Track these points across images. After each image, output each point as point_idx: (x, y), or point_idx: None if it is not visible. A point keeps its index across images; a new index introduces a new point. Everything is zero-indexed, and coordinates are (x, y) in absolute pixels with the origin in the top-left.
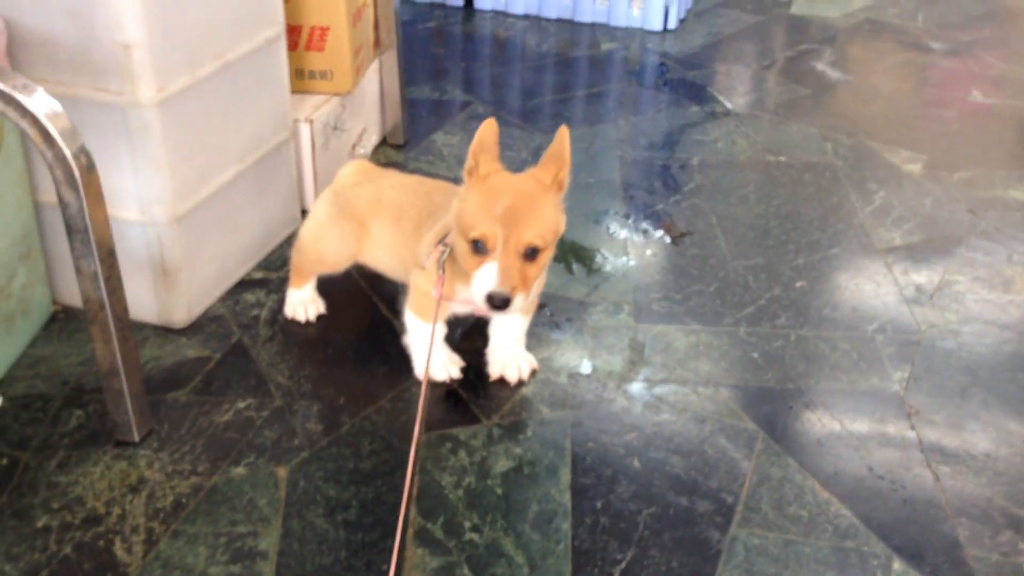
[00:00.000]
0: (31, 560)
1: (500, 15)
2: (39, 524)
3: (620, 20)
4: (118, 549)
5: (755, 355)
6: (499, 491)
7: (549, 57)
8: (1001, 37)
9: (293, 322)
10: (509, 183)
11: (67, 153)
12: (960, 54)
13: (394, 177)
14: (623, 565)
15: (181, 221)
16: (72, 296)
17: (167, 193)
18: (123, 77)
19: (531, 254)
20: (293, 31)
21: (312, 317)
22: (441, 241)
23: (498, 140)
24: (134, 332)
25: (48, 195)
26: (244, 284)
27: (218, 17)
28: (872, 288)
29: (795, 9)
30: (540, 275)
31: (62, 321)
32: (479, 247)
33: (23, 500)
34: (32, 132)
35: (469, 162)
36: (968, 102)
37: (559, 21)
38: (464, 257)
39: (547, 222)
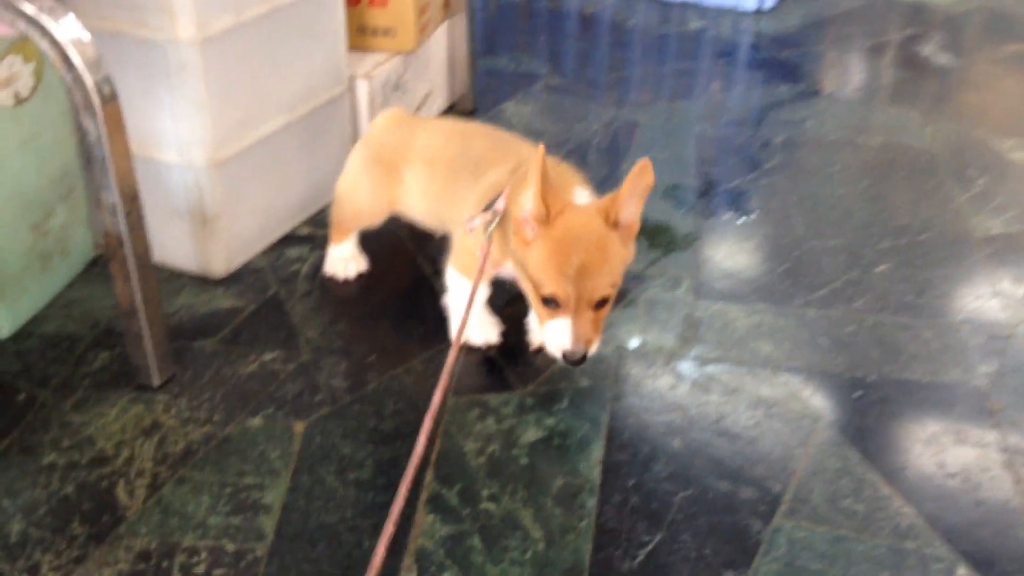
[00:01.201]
0: (31, 496)
1: None
2: (45, 461)
3: None
4: (120, 491)
5: (823, 339)
6: (524, 461)
7: (634, 33)
8: None
9: (332, 279)
10: (579, 234)
11: (87, 80)
12: None
13: (428, 122)
14: (650, 547)
15: (222, 167)
16: None
17: (207, 136)
18: (164, 13)
19: (602, 303)
20: None
21: (351, 275)
22: (490, 206)
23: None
24: (155, 273)
25: None
26: (289, 239)
27: None
28: (963, 276)
29: None
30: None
31: (103, 266)
32: (550, 302)
33: (33, 436)
34: (52, 55)
35: (539, 209)
36: None
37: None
38: (533, 301)
39: (616, 271)
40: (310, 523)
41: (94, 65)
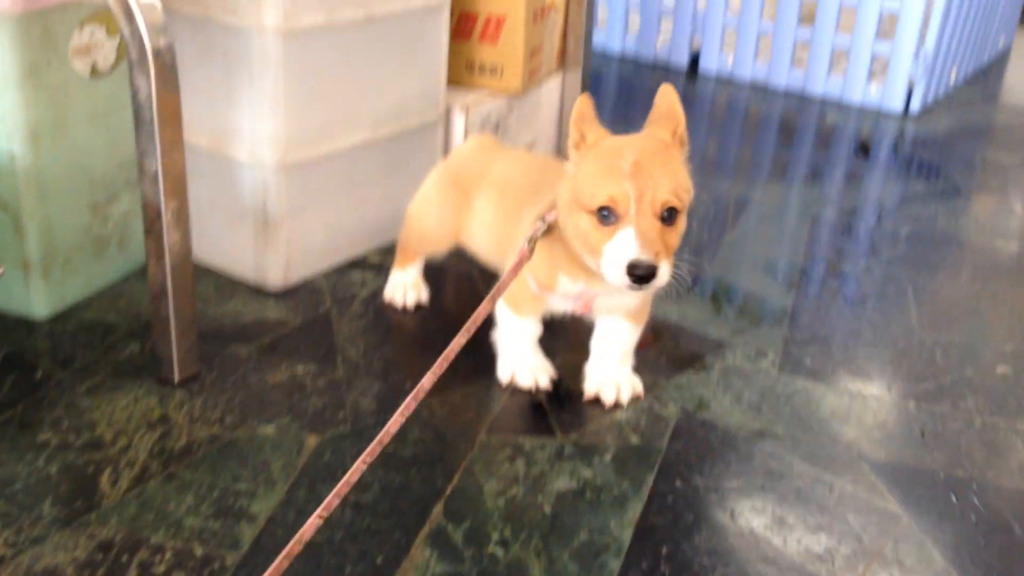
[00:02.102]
0: (11, 471)
1: (724, 81)
2: (40, 438)
3: (855, 96)
4: (104, 479)
5: (921, 432)
6: (547, 510)
7: (768, 121)
8: None
9: (390, 306)
10: (628, 141)
11: (144, 34)
12: None
13: (512, 152)
14: None
15: (291, 170)
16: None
17: (279, 134)
18: None
19: (669, 216)
20: (468, 19)
21: (410, 303)
22: (542, 216)
23: (596, 116)
24: (191, 257)
25: (191, 134)
26: (356, 264)
27: None
28: None
29: None
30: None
31: None
32: (607, 216)
33: (36, 413)
34: (114, 5)
35: (574, 135)
36: None
37: (787, 93)
38: (587, 236)
39: (681, 177)
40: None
41: (157, 29)
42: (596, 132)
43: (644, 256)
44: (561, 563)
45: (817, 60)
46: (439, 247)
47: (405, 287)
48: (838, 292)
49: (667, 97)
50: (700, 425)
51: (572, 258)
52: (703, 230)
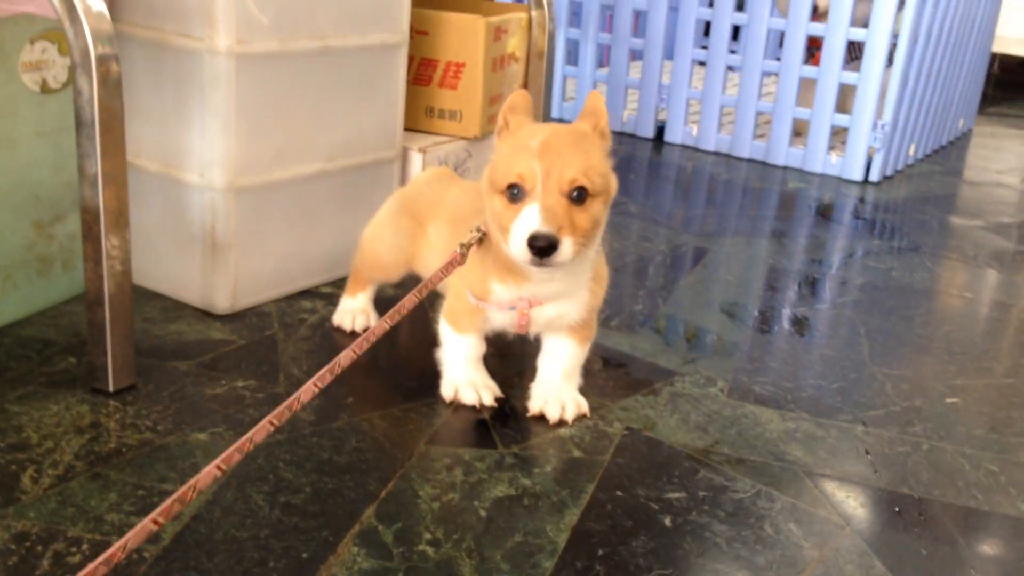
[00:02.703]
0: None
1: (689, 149)
2: None
3: (816, 166)
4: (26, 477)
5: (868, 454)
6: (483, 513)
7: (730, 185)
8: None
9: (338, 330)
10: (545, 128)
11: (88, 36)
12: None
13: (467, 183)
14: None
15: (240, 194)
16: (139, 276)
17: (230, 157)
18: (206, 21)
19: (578, 196)
20: (429, 65)
21: (359, 328)
22: (476, 227)
23: (531, 109)
24: (130, 265)
25: (141, 159)
26: (307, 293)
27: None
28: None
29: None
30: (593, 238)
31: None
32: (515, 193)
33: None
34: (59, 6)
35: (499, 123)
36: None
37: (750, 161)
38: (500, 217)
39: (595, 161)
40: (216, 535)
41: (103, 37)
42: (517, 121)
43: (544, 228)
44: (493, 562)
45: (779, 132)
46: (391, 274)
47: (354, 312)
48: (791, 330)
49: (593, 100)
50: (644, 442)
51: (503, 264)
52: (659, 273)
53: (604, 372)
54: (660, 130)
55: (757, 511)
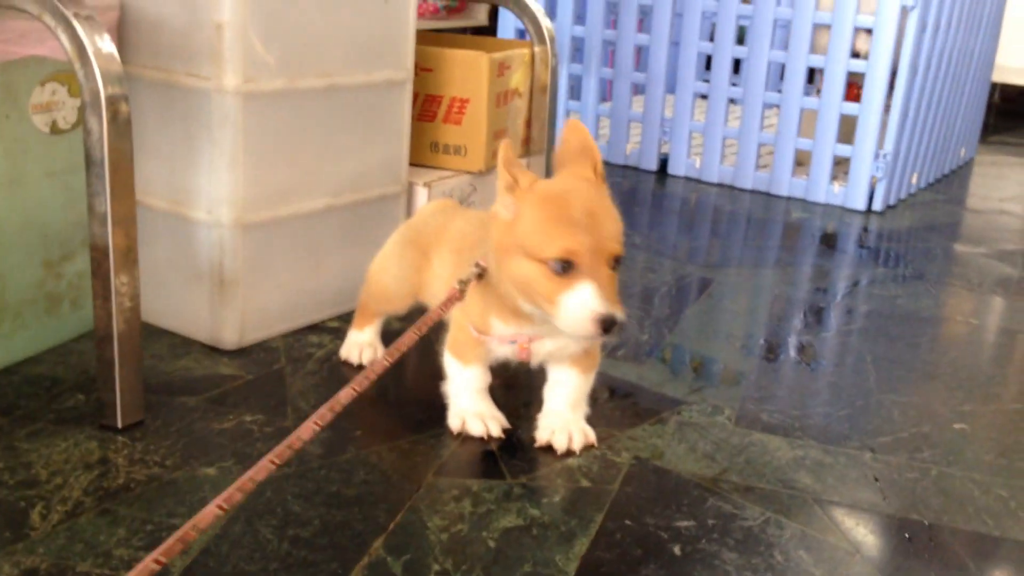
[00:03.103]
0: None
1: (693, 181)
2: None
3: (819, 196)
4: (35, 514)
5: (877, 481)
6: (491, 544)
7: (734, 216)
8: None
9: (346, 364)
10: (569, 187)
11: (98, 75)
12: None
13: (470, 212)
14: None
15: (248, 230)
16: (148, 313)
17: (237, 193)
18: (213, 61)
19: (615, 264)
20: (433, 101)
21: (366, 362)
22: (476, 262)
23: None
24: (139, 301)
25: (150, 197)
26: (314, 328)
27: (329, 33)
28: None
29: None
30: None
31: None
32: (563, 266)
33: None
34: (69, 47)
35: (506, 178)
36: None
37: (753, 192)
38: (535, 284)
39: (621, 224)
40: (224, 569)
41: (113, 78)
42: (526, 176)
43: (609, 310)
44: None
45: (781, 163)
46: (398, 306)
47: (361, 346)
48: (797, 358)
49: (577, 132)
50: (653, 471)
51: (502, 303)
52: (664, 304)
53: (611, 402)
54: (663, 163)
55: (767, 539)
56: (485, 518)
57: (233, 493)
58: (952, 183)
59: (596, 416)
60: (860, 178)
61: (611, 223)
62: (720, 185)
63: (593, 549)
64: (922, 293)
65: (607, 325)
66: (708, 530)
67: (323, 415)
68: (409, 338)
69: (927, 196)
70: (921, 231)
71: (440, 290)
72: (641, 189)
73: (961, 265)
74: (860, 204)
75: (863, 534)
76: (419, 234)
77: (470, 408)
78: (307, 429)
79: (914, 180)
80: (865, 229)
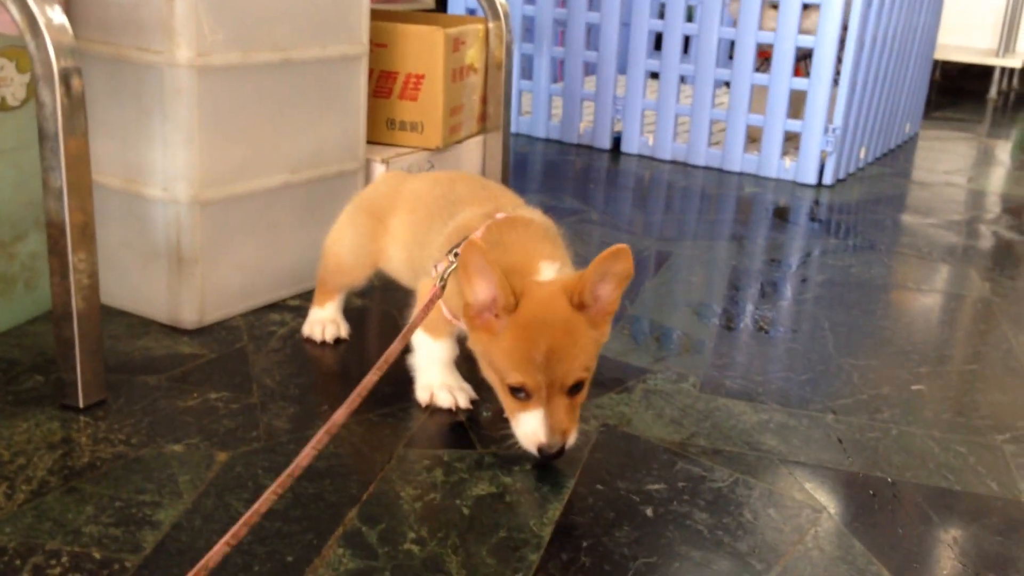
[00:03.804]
0: None
1: (646, 159)
2: None
3: (771, 171)
4: None
5: (840, 441)
6: (465, 511)
7: (688, 191)
8: None
9: (309, 341)
10: (544, 317)
11: (51, 48)
12: None
13: (422, 174)
14: None
15: (206, 208)
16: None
17: (194, 170)
18: (165, 34)
19: (577, 388)
20: (388, 77)
21: (329, 338)
22: (452, 250)
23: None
24: (97, 277)
25: (103, 175)
26: (275, 306)
27: (282, 7)
28: (1014, 404)
29: (974, 185)
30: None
31: None
32: (519, 393)
33: None
34: (19, 18)
35: (507, 299)
36: None
37: (706, 168)
38: (499, 390)
39: (590, 351)
40: (199, 543)
41: (65, 49)
42: (518, 285)
43: (552, 442)
44: (479, 557)
45: (733, 139)
46: (357, 276)
47: (324, 323)
48: (757, 327)
49: (623, 260)
50: (621, 437)
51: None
52: None
53: None
54: (617, 141)
55: (736, 499)
56: (458, 487)
57: (239, 529)
58: (898, 157)
59: None
60: (810, 153)
61: (576, 356)
62: (673, 162)
63: (567, 514)
64: (874, 262)
65: (549, 454)
66: (678, 492)
67: (320, 439)
68: (395, 349)
69: (875, 170)
70: (870, 203)
71: (399, 253)
72: (595, 167)
73: (910, 235)
74: (811, 178)
75: (829, 492)
76: (372, 202)
77: (438, 380)
78: (305, 456)
79: (862, 154)
80: (816, 202)
